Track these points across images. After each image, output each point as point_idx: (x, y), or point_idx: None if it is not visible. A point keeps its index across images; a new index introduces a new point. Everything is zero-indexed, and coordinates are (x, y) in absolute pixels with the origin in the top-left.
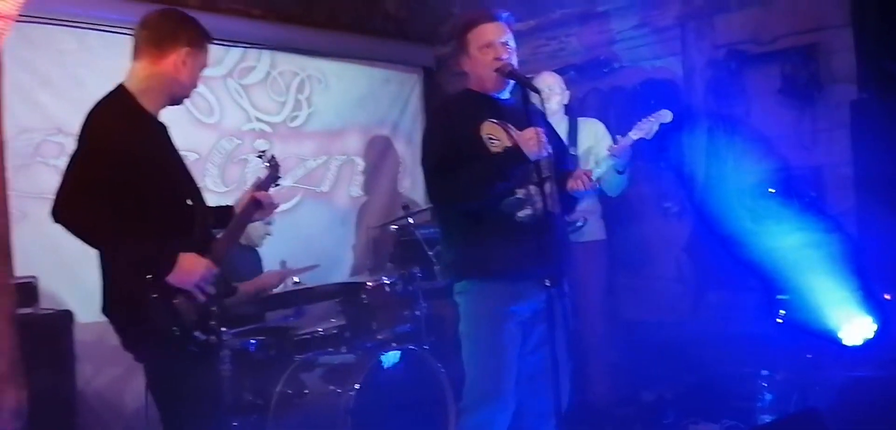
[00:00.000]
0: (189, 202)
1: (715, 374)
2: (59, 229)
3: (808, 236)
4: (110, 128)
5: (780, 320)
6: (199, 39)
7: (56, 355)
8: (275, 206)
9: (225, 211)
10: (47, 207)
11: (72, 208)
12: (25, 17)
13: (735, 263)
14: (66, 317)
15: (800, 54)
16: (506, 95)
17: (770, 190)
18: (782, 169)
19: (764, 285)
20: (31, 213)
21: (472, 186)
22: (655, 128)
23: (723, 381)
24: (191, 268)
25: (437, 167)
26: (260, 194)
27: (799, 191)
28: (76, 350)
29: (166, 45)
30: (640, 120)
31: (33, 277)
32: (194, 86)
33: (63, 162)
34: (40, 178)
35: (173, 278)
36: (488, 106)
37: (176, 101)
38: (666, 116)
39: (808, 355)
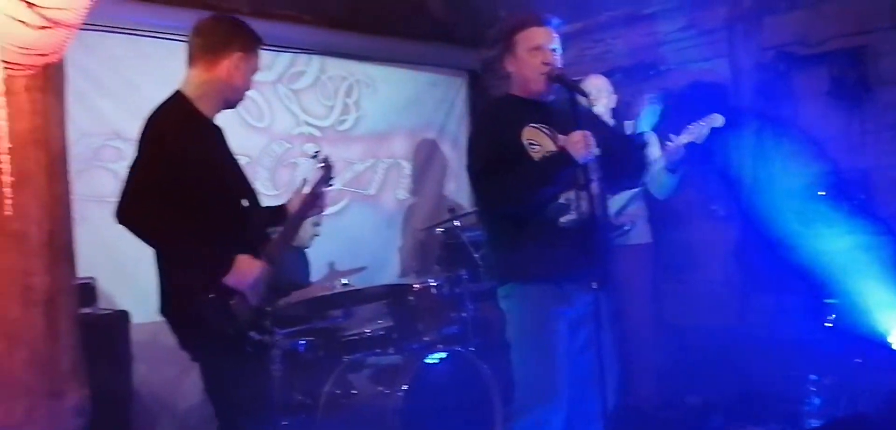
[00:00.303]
0: (245, 203)
1: (762, 378)
2: (116, 231)
3: (857, 239)
4: (169, 133)
5: (828, 325)
6: (251, 44)
7: (113, 354)
8: (326, 203)
9: (278, 210)
10: (106, 210)
11: (134, 211)
12: (84, 25)
13: (783, 266)
14: (122, 317)
15: (848, 56)
16: (550, 98)
17: (819, 193)
18: (831, 172)
19: (812, 289)
20: (90, 216)
21: (519, 190)
22: (706, 132)
23: (770, 385)
24: (247, 270)
25: (483, 172)
26: (315, 191)
27: (848, 194)
28: (132, 350)
29: (219, 51)
30: (690, 123)
31: (92, 278)
32: (247, 88)
33: (120, 166)
34: (99, 181)
35: (230, 280)
36: (531, 110)
37: (230, 104)
38: (718, 120)
39: (857, 360)
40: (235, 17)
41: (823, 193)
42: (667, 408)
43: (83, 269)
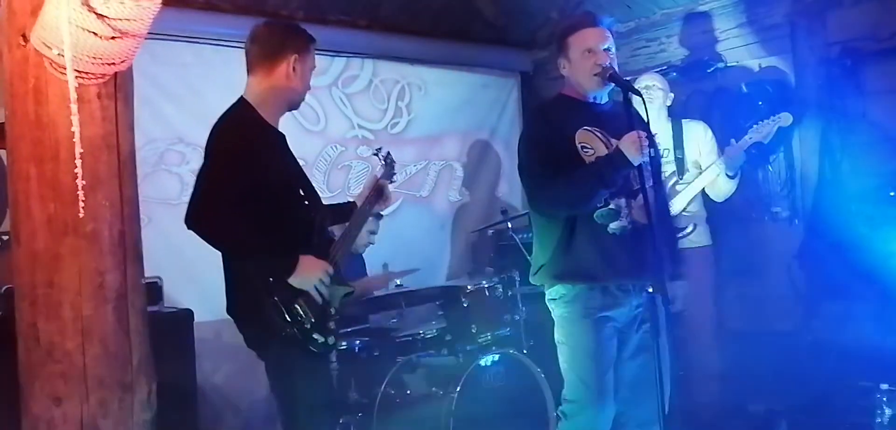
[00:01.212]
0: (308, 205)
1: (829, 387)
2: (180, 232)
3: None
4: (235, 141)
5: None
6: (304, 44)
7: (179, 351)
8: (390, 196)
9: (346, 208)
10: (170, 211)
11: (203, 217)
12: (150, 34)
13: (851, 271)
14: (187, 315)
15: None
16: (603, 99)
17: (890, 194)
18: None
19: (882, 294)
20: (156, 217)
21: (573, 193)
22: (774, 131)
23: (838, 395)
24: (310, 269)
25: (536, 175)
26: (382, 182)
27: None
28: (196, 347)
29: (275, 56)
30: (753, 122)
31: (158, 277)
32: (307, 88)
33: (184, 170)
34: (164, 184)
35: (294, 280)
36: (583, 112)
37: (293, 106)
38: (786, 119)
39: None
40: (287, 22)
41: (894, 195)
42: (728, 416)
43: (148, 269)
